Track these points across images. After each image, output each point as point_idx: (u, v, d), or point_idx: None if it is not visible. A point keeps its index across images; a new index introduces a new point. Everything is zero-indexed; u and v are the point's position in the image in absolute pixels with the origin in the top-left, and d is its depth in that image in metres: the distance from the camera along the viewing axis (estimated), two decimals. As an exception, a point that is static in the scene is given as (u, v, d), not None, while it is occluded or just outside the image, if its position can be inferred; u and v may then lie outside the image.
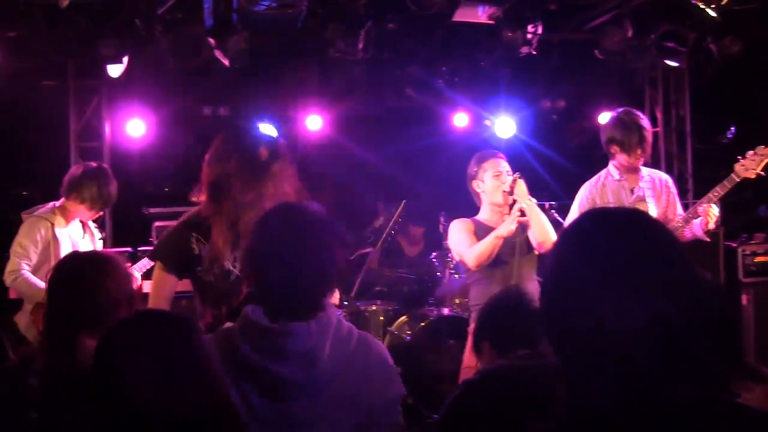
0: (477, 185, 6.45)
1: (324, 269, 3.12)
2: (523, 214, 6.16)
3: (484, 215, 6.47)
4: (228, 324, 4.21)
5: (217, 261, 4.61)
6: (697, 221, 6.46)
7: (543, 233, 6.15)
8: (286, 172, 4.73)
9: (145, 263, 7.12)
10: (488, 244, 6.10)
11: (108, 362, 2.47)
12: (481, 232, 6.30)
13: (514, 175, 6.20)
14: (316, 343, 3.03)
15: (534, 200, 6.17)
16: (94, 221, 7.23)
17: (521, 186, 6.17)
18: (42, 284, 6.51)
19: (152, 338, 2.49)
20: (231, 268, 4.60)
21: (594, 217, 1.99)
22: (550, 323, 1.90)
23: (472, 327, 6.25)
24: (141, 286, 7.46)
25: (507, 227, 6.01)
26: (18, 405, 3.12)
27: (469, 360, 6.07)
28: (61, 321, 3.32)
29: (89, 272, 3.38)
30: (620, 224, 1.90)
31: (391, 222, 9.06)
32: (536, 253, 6.35)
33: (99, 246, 7.21)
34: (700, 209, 6.39)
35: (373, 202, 10.52)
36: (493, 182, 6.34)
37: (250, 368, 3.02)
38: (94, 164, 7.15)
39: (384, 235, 9.20)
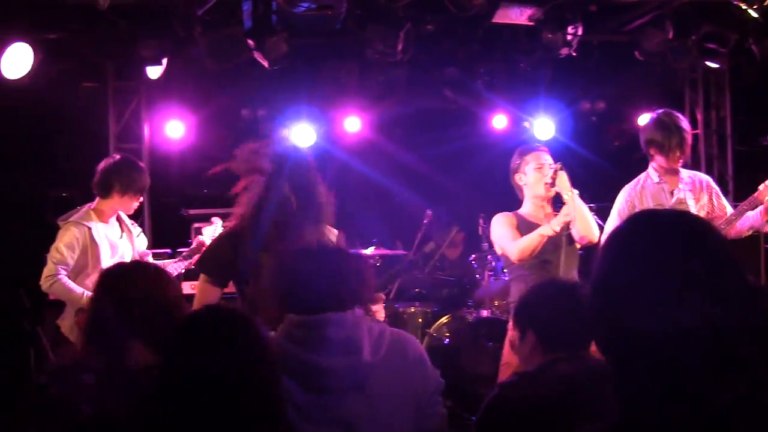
0: (519, 178, 6.45)
1: (351, 271, 3.29)
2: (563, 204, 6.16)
3: (526, 209, 6.46)
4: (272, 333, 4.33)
5: (253, 275, 4.65)
6: (752, 213, 6.41)
7: (585, 226, 6.14)
8: (316, 204, 4.82)
9: (179, 266, 7.14)
10: (532, 240, 6.08)
11: (176, 356, 2.54)
12: (524, 226, 6.30)
13: (556, 165, 6.16)
14: (353, 333, 3.15)
15: (576, 192, 6.12)
16: (130, 217, 7.24)
17: (563, 178, 6.13)
18: (79, 289, 6.57)
19: (220, 333, 2.55)
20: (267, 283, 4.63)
21: (642, 218, 1.99)
22: (599, 324, 1.90)
23: (511, 324, 6.28)
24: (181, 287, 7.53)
25: (553, 227, 5.98)
26: (72, 399, 3.19)
27: (508, 357, 6.07)
28: (108, 327, 3.37)
29: (132, 281, 3.44)
30: (668, 226, 1.90)
31: (442, 248, 9.10)
32: (578, 247, 6.31)
33: (141, 242, 7.23)
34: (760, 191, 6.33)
35: (416, 204, 10.48)
36: (535, 174, 6.32)
37: (293, 364, 3.06)
38: (118, 155, 7.21)
39: (432, 261, 9.24)
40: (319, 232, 4.79)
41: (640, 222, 1.96)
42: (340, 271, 3.26)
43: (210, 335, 2.52)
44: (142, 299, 3.37)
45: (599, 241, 6.13)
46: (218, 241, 5.05)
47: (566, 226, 6.10)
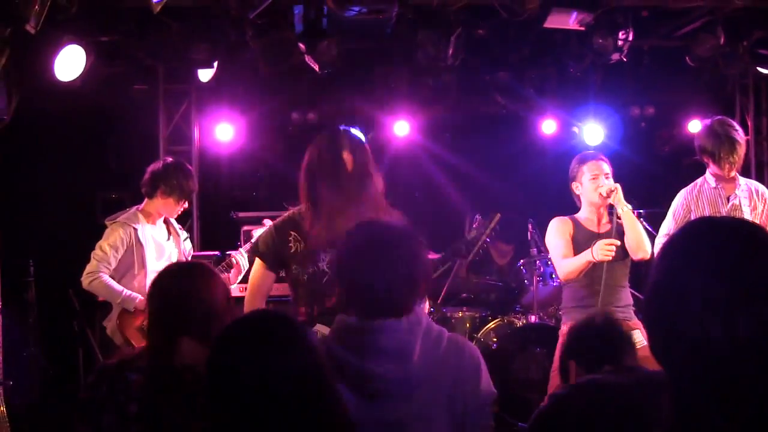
0: (576, 187, 6.43)
1: (408, 275, 3.16)
2: (618, 218, 6.14)
3: (583, 214, 6.45)
4: (319, 326, 4.38)
5: (311, 260, 4.73)
6: None
7: (638, 241, 6.11)
8: (371, 175, 4.86)
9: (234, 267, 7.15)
10: (578, 265, 6.11)
11: (225, 358, 2.52)
12: (580, 233, 6.33)
13: (615, 186, 6.15)
14: (407, 340, 3.10)
15: (630, 206, 6.15)
16: (179, 222, 7.29)
17: (618, 192, 6.14)
18: (118, 287, 6.63)
19: (266, 334, 2.53)
20: (325, 269, 4.70)
21: (700, 225, 1.97)
22: (655, 331, 1.88)
23: (563, 329, 6.36)
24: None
25: (602, 253, 5.95)
26: (120, 397, 3.26)
27: (558, 365, 6.04)
28: (160, 326, 3.44)
29: (187, 283, 3.49)
30: (727, 232, 1.87)
31: (485, 234, 9.01)
32: (630, 259, 6.29)
33: (186, 246, 7.27)
34: None
35: (464, 210, 10.45)
36: (590, 184, 6.30)
37: (344, 369, 3.05)
38: (170, 159, 7.26)
39: (476, 247, 9.14)
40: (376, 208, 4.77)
41: (698, 228, 1.94)
42: (408, 264, 3.17)
43: (254, 340, 2.51)
44: (189, 299, 3.41)
45: (652, 253, 6.11)
46: (276, 225, 5.03)
47: (617, 231, 6.12)
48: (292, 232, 4.81)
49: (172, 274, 3.61)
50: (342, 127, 5.00)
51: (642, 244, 6.10)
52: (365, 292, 3.14)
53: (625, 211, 6.10)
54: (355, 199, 4.69)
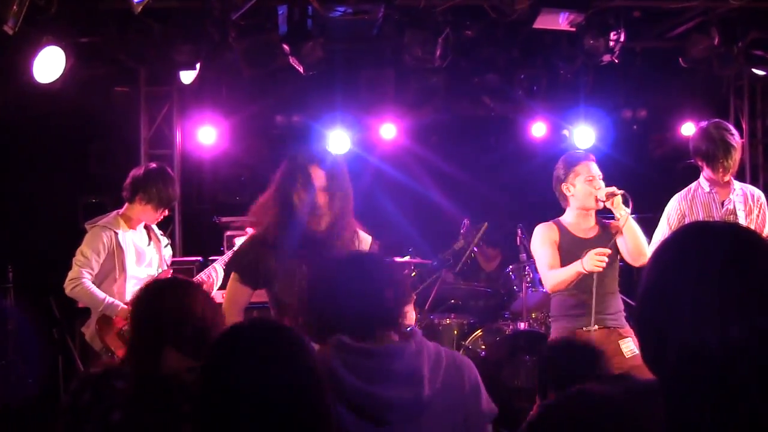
0: (566, 189, 6.25)
1: (392, 291, 3.23)
2: (616, 231, 6.10)
3: (570, 218, 6.29)
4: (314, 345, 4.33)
5: (292, 276, 4.71)
6: None
7: (639, 247, 6.02)
8: (345, 191, 4.84)
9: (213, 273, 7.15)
10: (567, 276, 5.96)
11: (216, 373, 2.51)
12: (567, 240, 6.19)
13: (618, 191, 6.05)
14: (416, 363, 3.10)
15: (629, 210, 6.03)
16: (159, 227, 7.28)
17: (618, 198, 6.05)
18: (101, 294, 6.61)
19: (264, 344, 2.52)
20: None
21: (693, 229, 1.98)
22: (646, 338, 1.89)
23: (552, 338, 6.28)
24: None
25: (593, 264, 5.78)
26: (103, 405, 3.24)
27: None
28: (144, 340, 3.43)
29: (170, 299, 3.48)
30: (720, 237, 1.88)
31: (472, 244, 9.03)
32: (619, 260, 6.25)
33: (167, 253, 7.26)
34: None
35: (452, 214, 10.46)
36: (585, 187, 6.15)
37: (348, 392, 3.04)
38: (154, 164, 7.22)
39: (464, 258, 9.18)
40: (351, 236, 4.83)
41: (689, 233, 1.95)
42: (386, 283, 3.23)
43: (252, 350, 2.50)
44: (175, 312, 3.40)
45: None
46: (253, 239, 5.02)
47: (606, 235, 6.10)
48: (270, 248, 4.79)
49: (155, 291, 3.58)
50: (326, 155, 4.95)
51: (643, 250, 6.02)
52: (357, 305, 3.17)
53: (623, 215, 5.99)
54: (332, 215, 4.74)
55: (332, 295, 3.22)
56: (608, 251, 5.85)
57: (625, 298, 6.39)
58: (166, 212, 7.11)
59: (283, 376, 2.44)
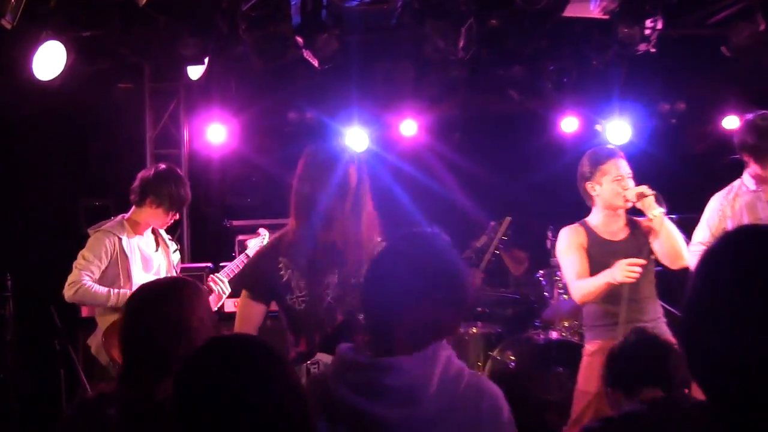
0: (592, 188, 6.17)
1: (448, 300, 3.02)
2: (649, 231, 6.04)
3: (597, 219, 6.23)
4: (321, 355, 4.39)
5: (307, 288, 4.70)
6: None
7: (675, 249, 5.95)
8: (366, 192, 4.83)
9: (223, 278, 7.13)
10: (597, 286, 5.88)
11: (187, 388, 2.48)
12: (595, 244, 6.14)
13: (650, 192, 5.97)
14: (419, 380, 2.91)
15: (662, 210, 5.93)
16: (167, 232, 7.27)
17: (650, 198, 5.95)
18: (104, 289, 6.57)
19: (233, 364, 2.48)
20: (323, 294, 4.69)
21: (745, 234, 1.94)
22: (694, 352, 1.86)
23: (587, 348, 6.22)
24: (223, 305, 7.57)
25: (624, 275, 5.68)
26: None
27: (584, 385, 6.01)
28: (137, 356, 3.41)
29: (165, 303, 3.45)
30: (773, 242, 1.85)
31: (495, 241, 8.94)
32: (655, 263, 6.17)
33: (175, 259, 7.25)
34: None
35: (477, 216, 10.40)
36: (613, 187, 6.07)
37: (344, 409, 2.95)
38: (163, 165, 7.18)
39: (487, 255, 9.08)
40: (372, 244, 4.75)
41: (740, 238, 1.91)
42: (450, 286, 3.02)
43: (225, 364, 2.47)
44: (170, 323, 3.39)
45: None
46: (262, 252, 5.06)
47: (643, 235, 6.04)
48: (282, 258, 4.77)
49: (146, 293, 3.56)
50: (337, 138, 4.96)
51: (680, 252, 5.94)
52: (375, 321, 3.07)
53: (657, 216, 5.90)
54: (355, 216, 4.72)
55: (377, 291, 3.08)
56: (641, 261, 5.76)
57: (664, 305, 6.32)
58: (177, 215, 7.11)
59: (258, 392, 2.41)
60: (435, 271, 3.00)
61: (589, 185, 6.19)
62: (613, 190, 6.09)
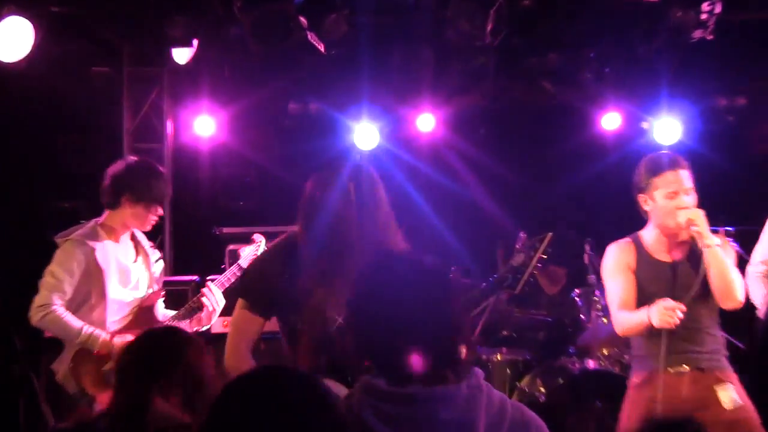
0: (644, 201, 5.99)
1: (448, 323, 3.07)
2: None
3: (650, 235, 6.04)
4: (327, 381, 4.25)
5: (313, 303, 4.64)
6: None
7: (726, 289, 5.74)
8: (381, 194, 4.82)
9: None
10: (636, 324, 5.78)
11: (227, 424, 2.48)
12: (644, 264, 5.99)
13: (696, 212, 5.83)
14: (470, 412, 2.94)
15: (717, 240, 5.74)
16: (147, 236, 7.18)
17: (701, 220, 5.82)
18: (77, 323, 6.46)
19: (278, 399, 2.48)
20: (332, 314, 4.63)
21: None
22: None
23: (633, 381, 6.09)
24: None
25: (662, 319, 5.54)
26: None
27: (628, 422, 5.94)
28: (134, 391, 3.46)
29: (167, 356, 3.55)
30: None
31: (534, 260, 8.88)
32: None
33: (157, 270, 7.16)
34: None
35: (504, 226, 10.36)
36: (666, 204, 5.86)
37: None
38: (133, 157, 7.18)
39: (525, 276, 9.02)
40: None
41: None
42: (450, 298, 3.09)
43: (263, 407, 2.44)
44: (175, 372, 3.48)
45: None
46: (266, 258, 5.05)
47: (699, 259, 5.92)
48: (287, 268, 4.75)
49: (149, 344, 3.62)
50: (347, 159, 4.94)
51: (732, 293, 5.73)
52: (392, 352, 3.02)
53: (711, 249, 5.69)
54: (371, 223, 4.71)
55: (378, 311, 3.09)
56: (681, 307, 5.57)
57: (728, 336, 6.20)
58: (161, 211, 7.01)
59: None
60: (445, 275, 3.12)
61: (641, 198, 6.03)
62: (665, 208, 5.89)
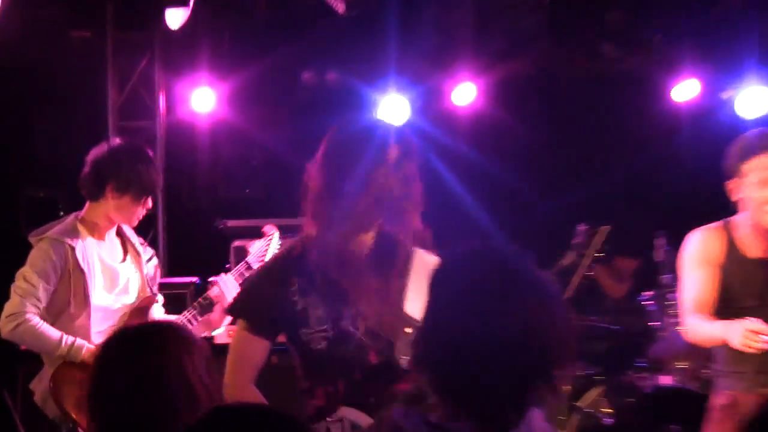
0: (735, 185, 5.85)
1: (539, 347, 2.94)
2: None
3: (744, 226, 5.90)
4: (345, 409, 4.42)
5: (330, 319, 4.58)
6: None
7: None
8: (414, 177, 4.65)
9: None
10: (712, 337, 5.68)
11: None
12: (735, 261, 5.86)
13: None
14: None
15: None
16: (137, 233, 7.11)
17: None
18: (55, 333, 6.39)
19: None
20: (350, 328, 4.57)
21: None
22: None
23: (716, 401, 6.02)
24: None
25: (744, 343, 5.32)
26: None
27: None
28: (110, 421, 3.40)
29: (147, 357, 3.47)
30: None
31: (587, 257, 8.84)
32: None
33: (151, 270, 7.10)
34: None
35: (557, 215, 10.29)
36: (758, 194, 5.72)
37: None
38: (118, 140, 7.16)
39: (576, 277, 8.99)
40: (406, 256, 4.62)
41: None
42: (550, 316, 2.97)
43: None
44: (153, 385, 3.42)
45: None
46: (267, 268, 5.00)
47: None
48: (295, 279, 4.63)
49: (120, 343, 3.58)
50: (378, 128, 4.82)
51: None
52: (463, 383, 2.93)
53: None
54: (400, 219, 4.59)
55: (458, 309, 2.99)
56: (766, 329, 5.36)
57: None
58: (150, 203, 6.94)
59: None
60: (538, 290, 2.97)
61: (732, 183, 5.89)
62: (756, 200, 5.75)
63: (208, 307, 6.73)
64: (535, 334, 2.89)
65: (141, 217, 6.84)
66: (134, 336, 3.65)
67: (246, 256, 7.06)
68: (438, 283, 3.09)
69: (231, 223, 9.20)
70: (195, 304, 6.81)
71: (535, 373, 2.91)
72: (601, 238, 8.86)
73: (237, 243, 8.65)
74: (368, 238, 4.61)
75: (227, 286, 6.76)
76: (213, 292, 6.76)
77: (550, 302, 2.97)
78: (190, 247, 10.10)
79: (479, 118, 11.00)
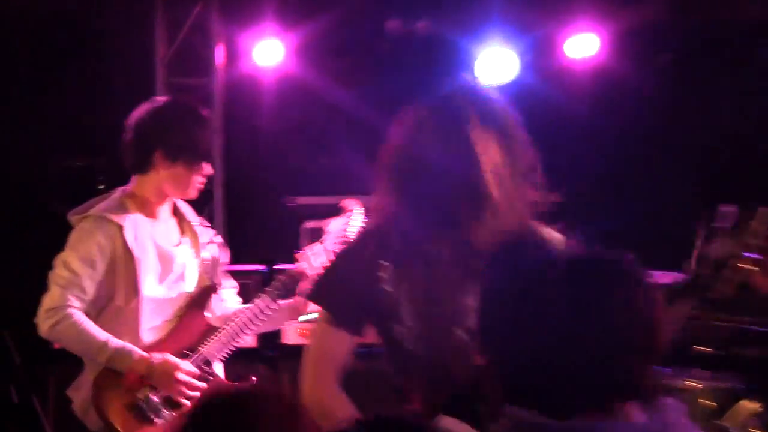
0: None
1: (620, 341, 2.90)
2: None
3: None
4: (446, 419, 4.25)
5: (426, 314, 4.51)
6: None
7: None
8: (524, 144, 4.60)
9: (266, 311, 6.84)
10: None
11: None
12: None
13: None
14: None
15: None
16: (196, 211, 6.99)
17: None
18: (102, 334, 6.26)
19: None
20: (450, 325, 4.52)
21: None
22: None
23: None
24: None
25: None
26: None
27: None
28: None
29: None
30: None
31: (740, 245, 8.61)
32: None
33: (211, 254, 6.98)
34: None
35: (688, 197, 10.15)
36: None
37: None
38: (163, 98, 7.01)
39: (732, 273, 8.77)
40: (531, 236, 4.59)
41: None
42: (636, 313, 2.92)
43: None
44: None
45: None
46: (351, 250, 4.92)
47: None
48: (385, 263, 4.54)
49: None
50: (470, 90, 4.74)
51: None
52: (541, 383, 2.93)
53: None
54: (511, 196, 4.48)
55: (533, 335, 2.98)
56: None
57: None
58: (210, 169, 6.80)
59: None
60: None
61: None
62: None
63: (292, 287, 6.61)
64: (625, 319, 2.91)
65: (199, 187, 6.71)
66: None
67: (321, 235, 6.89)
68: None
69: (301, 200, 9.11)
70: (276, 284, 6.63)
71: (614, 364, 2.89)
72: (764, 222, 8.65)
73: (309, 224, 8.54)
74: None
75: (317, 259, 6.64)
76: (300, 266, 6.63)
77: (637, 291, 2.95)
78: (252, 229, 10.09)
79: (602, 75, 10.94)
